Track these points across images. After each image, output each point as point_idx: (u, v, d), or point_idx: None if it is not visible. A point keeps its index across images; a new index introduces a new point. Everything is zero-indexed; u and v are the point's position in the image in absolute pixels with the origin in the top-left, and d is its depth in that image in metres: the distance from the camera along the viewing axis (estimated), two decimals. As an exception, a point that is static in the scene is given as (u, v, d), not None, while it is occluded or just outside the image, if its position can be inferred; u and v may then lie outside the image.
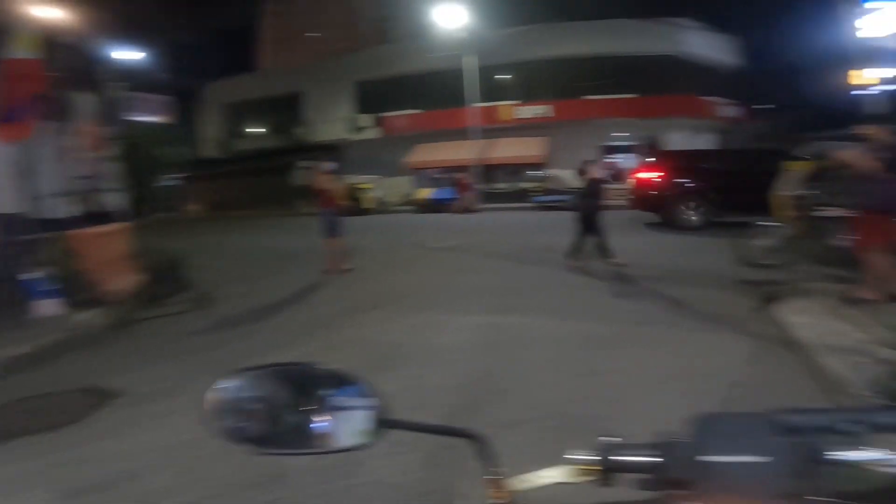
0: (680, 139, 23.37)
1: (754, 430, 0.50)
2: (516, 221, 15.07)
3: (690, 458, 0.49)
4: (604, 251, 6.80)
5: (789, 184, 6.42)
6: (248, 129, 31.26)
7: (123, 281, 5.80)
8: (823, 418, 0.52)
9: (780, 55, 28.68)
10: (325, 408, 0.61)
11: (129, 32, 11.51)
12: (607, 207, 7.05)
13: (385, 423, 0.61)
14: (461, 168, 22.30)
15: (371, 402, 0.62)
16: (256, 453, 0.63)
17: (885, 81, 14.88)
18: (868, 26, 13.22)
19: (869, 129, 4.45)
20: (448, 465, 2.34)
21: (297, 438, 0.61)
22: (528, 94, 24.34)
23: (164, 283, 6.38)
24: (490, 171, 23.66)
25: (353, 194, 20.49)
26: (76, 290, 5.25)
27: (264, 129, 30.66)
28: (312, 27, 30.96)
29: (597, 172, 7.15)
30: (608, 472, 0.54)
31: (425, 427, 0.64)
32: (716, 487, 0.47)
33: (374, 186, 22.30)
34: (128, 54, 12.26)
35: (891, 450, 0.50)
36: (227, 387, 0.62)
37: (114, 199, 7.52)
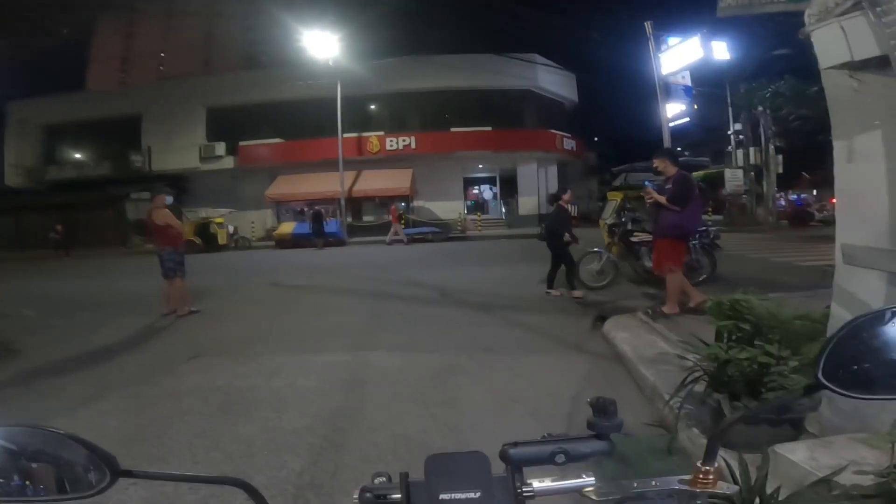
0: (531, 171, 25.88)
1: (473, 468, 0.57)
2: (382, 255, 15.15)
3: (427, 496, 0.55)
4: (570, 280, 6.77)
5: (607, 212, 7.46)
6: (67, 155, 26.90)
7: None
8: (539, 451, 0.61)
9: (609, 91, 33.56)
10: (53, 460, 0.59)
11: None
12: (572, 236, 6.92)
13: (121, 473, 0.59)
14: (325, 200, 21.84)
15: (97, 454, 0.60)
16: None
17: (682, 115, 17.87)
18: (667, 63, 15.56)
19: (658, 162, 5.32)
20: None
21: (25, 486, 0.58)
22: (394, 125, 24.92)
23: None
24: (357, 203, 23.58)
25: (203, 229, 18.78)
26: None
27: (88, 156, 26.60)
28: (157, 47, 28.18)
29: (566, 200, 7.09)
30: None
31: (178, 476, 0.61)
32: None
33: (227, 221, 20.64)
34: None
35: (594, 475, 0.60)
36: None
37: None
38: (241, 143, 24.49)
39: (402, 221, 20.22)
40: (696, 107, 19.45)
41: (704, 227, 6.46)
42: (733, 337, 2.59)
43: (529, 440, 0.62)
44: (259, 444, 2.94)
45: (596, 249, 7.26)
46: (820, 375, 0.54)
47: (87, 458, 0.59)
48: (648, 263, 6.08)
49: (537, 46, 25.70)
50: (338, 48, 21.26)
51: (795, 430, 2.38)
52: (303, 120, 23.83)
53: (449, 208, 23.74)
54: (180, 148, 24.54)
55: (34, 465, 0.59)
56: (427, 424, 3.18)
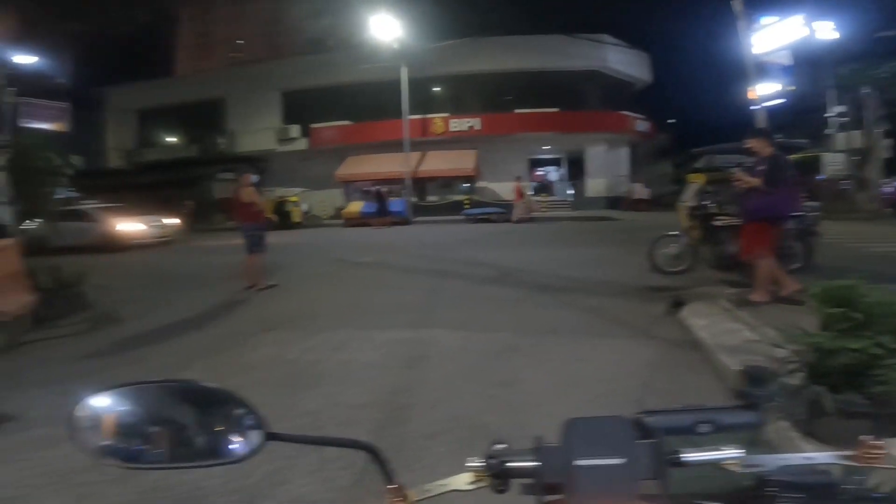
0: (599, 153, 24.95)
1: (616, 433, 0.52)
2: (445, 234, 15.25)
3: (561, 462, 0.51)
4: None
5: (688, 195, 7.01)
6: (159, 138, 29.15)
7: (11, 301, 5.19)
8: (680, 419, 0.56)
9: (687, 71, 31.38)
10: (203, 422, 0.61)
11: (25, 35, 10.47)
12: None
13: (270, 436, 0.61)
14: (391, 180, 22.26)
15: (249, 415, 0.62)
16: (126, 468, 0.61)
17: (776, 95, 16.69)
18: (761, 42, 14.64)
19: (751, 143, 4.94)
20: (378, 481, 2.30)
21: (173, 452, 0.60)
22: (458, 107, 24.84)
23: (57, 302, 5.81)
24: (421, 183, 23.84)
25: (280, 207, 19.77)
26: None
27: (179, 138, 28.73)
28: (234, 33, 29.73)
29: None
30: (498, 477, 0.55)
31: (314, 439, 0.63)
32: (584, 489, 0.49)
33: (300, 199, 21.62)
34: (21, 58, 11.12)
35: (739, 448, 0.55)
36: (100, 402, 0.60)
37: (2, 213, 6.78)
38: (313, 126, 25.34)
39: (528, 198, 19.88)
40: (793, 88, 17.98)
41: (801, 212, 5.88)
42: (841, 326, 2.38)
43: (665, 408, 0.57)
44: (325, 417, 3.03)
45: (673, 233, 6.86)
46: None
47: (239, 418, 0.60)
48: (732, 249, 5.64)
49: (608, 26, 24.61)
50: (402, 31, 21.36)
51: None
52: (369, 102, 24.23)
53: (513, 189, 23.40)
54: (259, 130, 25.83)
55: (181, 424, 0.60)
56: (486, 404, 3.16)
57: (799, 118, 23.00)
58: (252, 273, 7.21)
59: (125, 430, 0.59)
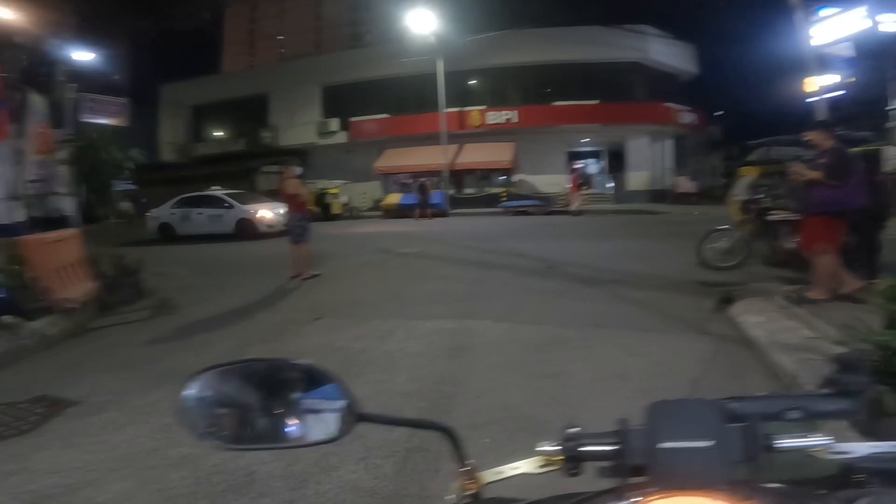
0: (641, 145, 24.23)
1: (705, 417, 0.51)
2: (484, 226, 15.21)
3: (645, 444, 0.50)
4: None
5: (740, 188, 6.72)
6: (210, 133, 30.34)
7: (77, 288, 5.55)
8: (768, 405, 0.55)
9: (735, 62, 29.99)
10: (297, 402, 0.62)
11: (83, 33, 11.06)
12: None
13: (358, 417, 0.62)
14: (429, 173, 22.35)
15: (343, 395, 0.63)
16: (228, 449, 0.64)
17: (836, 87, 15.78)
18: (821, 33, 13.92)
19: (812, 135, 4.70)
20: (421, 469, 2.36)
21: (269, 433, 0.62)
22: (495, 99, 24.65)
23: (120, 290, 6.13)
24: (459, 176, 23.84)
25: (321, 199, 20.19)
26: (28, 298, 4.99)
27: (227, 133, 29.81)
28: (277, 29, 30.48)
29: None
30: (572, 461, 0.55)
31: (397, 420, 0.66)
32: (669, 473, 0.48)
33: (341, 192, 22.04)
34: (81, 55, 11.74)
35: (831, 435, 0.53)
36: (199, 384, 0.62)
37: (66, 204, 7.21)
38: (352, 119, 25.70)
39: (584, 189, 19.79)
40: (853, 79, 16.97)
41: (865, 207, 5.53)
42: None
43: (750, 395, 0.56)
44: (372, 405, 3.04)
45: (724, 227, 6.60)
46: None
47: (332, 397, 0.62)
48: (789, 244, 5.38)
49: (652, 17, 23.71)
50: (440, 24, 21.32)
51: None
52: (407, 95, 24.36)
53: (551, 182, 23.03)
54: (301, 124, 26.43)
55: (282, 403, 0.62)
56: (532, 396, 3.16)
57: (860, 110, 21.67)
58: (298, 263, 7.42)
59: (226, 411, 0.61)
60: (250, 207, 14.17)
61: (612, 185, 24.79)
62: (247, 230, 13.68)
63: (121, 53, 18.15)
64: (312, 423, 0.62)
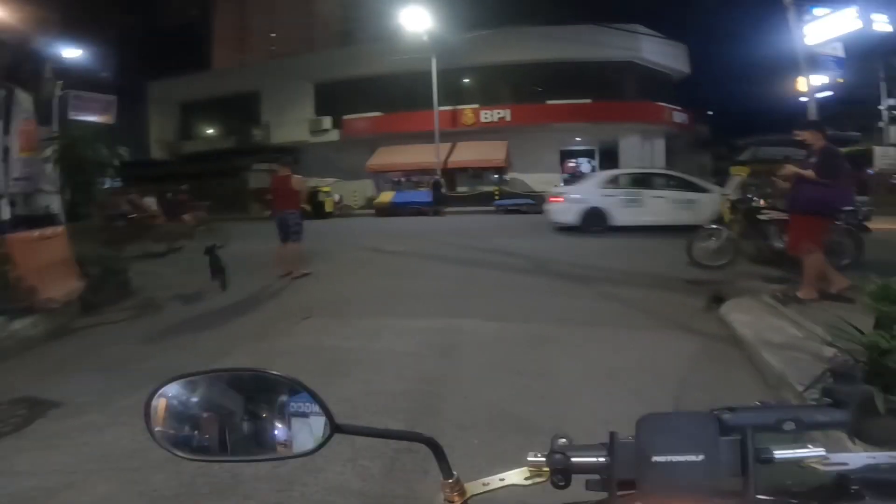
0: (633, 144, 24.36)
1: (697, 429, 0.50)
2: (476, 225, 15.20)
3: (636, 458, 0.50)
4: None
5: (730, 187, 6.77)
6: (199, 130, 30.07)
7: (61, 287, 5.46)
8: (762, 416, 0.54)
9: (725, 62, 30.20)
10: (274, 414, 0.60)
11: (71, 29, 10.88)
12: None
13: (336, 429, 0.60)
14: (422, 171, 22.36)
15: (317, 407, 0.61)
16: (201, 460, 0.61)
17: (824, 87, 15.95)
18: (813, 33, 14.01)
19: (804, 135, 4.73)
20: (409, 471, 2.33)
21: (245, 445, 0.60)
22: (488, 98, 24.66)
23: (105, 289, 6.05)
24: (451, 174, 23.83)
25: (313, 197, 20.09)
26: (11, 297, 4.90)
27: (217, 130, 29.57)
28: (268, 26, 30.22)
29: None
30: (560, 473, 0.54)
31: (377, 432, 0.63)
32: (660, 486, 0.48)
33: (333, 189, 21.95)
34: (67, 51, 11.56)
35: (825, 447, 0.53)
36: (169, 392, 0.60)
37: (51, 202, 7.09)
38: (345, 117, 25.61)
39: None
40: (841, 80, 17.17)
41: (853, 207, 5.60)
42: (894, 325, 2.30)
43: (744, 405, 0.55)
44: (361, 405, 3.05)
45: (714, 226, 6.64)
46: None
47: (307, 410, 0.60)
48: (778, 244, 5.42)
49: (644, 17, 23.84)
50: (432, 22, 21.29)
51: None
52: (400, 93, 24.30)
53: (544, 180, 23.08)
54: (292, 122, 26.26)
55: (254, 415, 0.60)
56: (521, 395, 3.15)
57: (848, 110, 21.97)
58: (288, 261, 7.35)
59: (194, 420, 0.59)
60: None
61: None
62: None
63: (108, 50, 17.94)
64: (285, 436, 0.60)
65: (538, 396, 3.13)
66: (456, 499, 0.58)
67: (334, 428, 0.60)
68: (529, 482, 0.56)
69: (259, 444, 0.60)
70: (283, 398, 0.60)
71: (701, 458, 0.48)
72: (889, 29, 17.02)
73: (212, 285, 6.52)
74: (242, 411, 0.60)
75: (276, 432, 0.60)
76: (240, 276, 7.79)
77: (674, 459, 0.48)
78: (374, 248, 10.37)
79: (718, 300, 4.91)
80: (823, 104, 17.98)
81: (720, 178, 10.54)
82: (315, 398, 0.60)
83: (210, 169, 24.36)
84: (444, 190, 21.24)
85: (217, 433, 0.59)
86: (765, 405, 0.57)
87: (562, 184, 24.02)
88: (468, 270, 7.49)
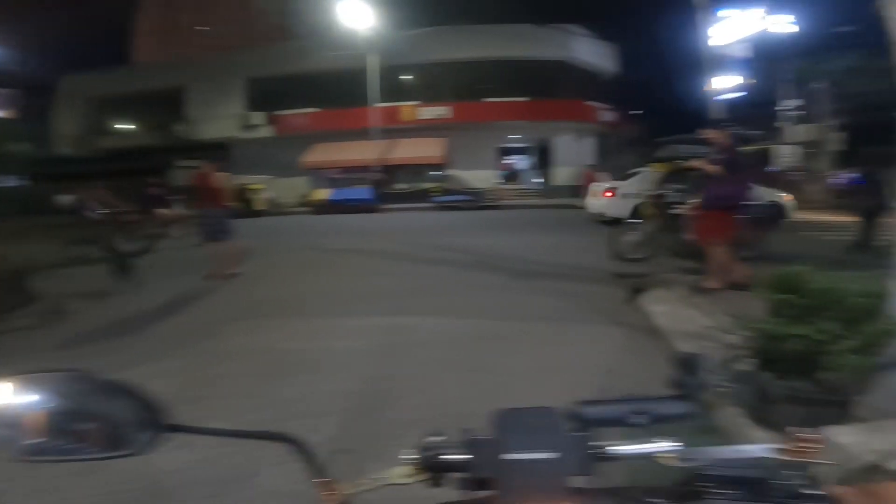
0: (566, 142, 25.30)
1: (547, 426, 0.51)
2: (416, 221, 15.22)
3: (492, 455, 0.49)
4: None
5: (644, 183, 7.21)
6: (117, 126, 27.92)
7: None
8: (614, 410, 0.55)
9: (649, 63, 32.00)
10: (103, 414, 0.58)
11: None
12: None
13: (167, 429, 0.58)
14: (360, 168, 22.04)
15: (146, 406, 0.59)
16: (20, 460, 0.59)
17: (737, 88, 17.17)
18: (718, 34, 14.83)
19: (709, 134, 5.12)
20: (345, 471, 2.32)
21: (74, 445, 0.58)
22: (427, 95, 24.69)
23: (7, 294, 5.53)
24: (390, 171, 23.67)
25: (243, 195, 19.26)
26: None
27: (137, 126, 27.63)
28: (199, 20, 28.48)
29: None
30: (431, 471, 0.54)
31: (222, 432, 0.60)
32: (515, 485, 0.47)
33: (265, 187, 21.15)
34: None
35: (673, 440, 0.54)
36: None
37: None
38: (279, 113, 24.80)
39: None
40: (749, 80, 18.57)
41: (755, 202, 6.15)
42: (787, 313, 2.41)
43: (602, 398, 0.56)
44: (301, 407, 3.00)
45: (633, 220, 7.06)
46: None
47: (134, 410, 0.57)
48: (691, 236, 5.86)
49: (577, 17, 24.84)
50: (372, 18, 21.03)
51: (841, 413, 2.28)
52: (338, 90, 23.88)
53: (482, 177, 23.51)
54: (221, 118, 25.08)
55: (80, 417, 0.57)
56: (466, 391, 3.19)
57: (755, 110, 23.90)
58: (217, 261, 7.03)
59: (20, 421, 0.57)
60: None
61: (541, 180, 25.71)
62: None
63: (15, 43, 16.25)
64: (114, 436, 0.58)
65: (480, 393, 3.20)
66: (332, 499, 0.57)
67: (163, 427, 0.57)
68: (406, 481, 0.55)
69: (87, 444, 0.58)
70: (110, 398, 0.59)
71: (550, 455, 0.48)
72: (793, 30, 18.52)
73: (136, 289, 6.09)
74: (66, 412, 0.58)
75: (104, 432, 0.58)
76: (164, 278, 7.36)
77: (525, 457, 0.48)
78: (311, 246, 10.13)
79: (639, 292, 5.21)
80: (735, 104, 19.44)
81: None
82: (142, 398, 0.58)
83: (130, 166, 22.69)
84: (381, 187, 21.08)
85: (44, 433, 0.57)
86: (619, 398, 0.57)
87: (498, 181, 24.67)
88: (411, 267, 7.50)
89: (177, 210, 12.46)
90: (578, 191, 24.27)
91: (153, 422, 0.57)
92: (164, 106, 26.10)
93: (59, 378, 0.60)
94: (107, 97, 26.86)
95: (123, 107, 27.26)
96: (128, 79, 26.59)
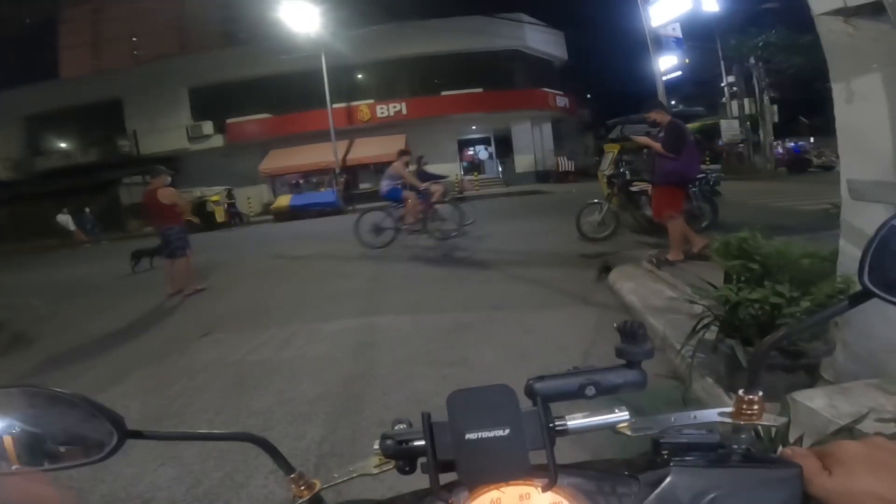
0: (525, 130, 25.63)
1: (503, 403, 0.50)
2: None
3: (450, 437, 0.49)
4: None
5: (605, 164, 7.41)
6: (52, 144, 26.34)
7: None
8: (566, 384, 0.55)
9: (598, 47, 32.78)
10: (58, 427, 0.56)
11: None
12: None
13: (125, 435, 0.56)
14: (319, 171, 21.67)
15: (99, 413, 0.57)
16: None
17: (675, 68, 17.65)
18: (656, 16, 15.21)
19: (651, 114, 5.30)
20: (336, 475, 2.31)
21: (30, 458, 0.55)
22: (383, 93, 24.48)
23: None
24: (352, 171, 23.37)
25: (200, 208, 18.64)
26: None
27: (74, 144, 26.06)
28: (129, 29, 27.05)
29: None
30: (397, 459, 0.53)
31: (184, 435, 0.58)
32: (475, 464, 0.47)
33: (222, 198, 20.49)
34: None
35: (620, 410, 0.54)
36: None
37: None
38: (229, 121, 24.04)
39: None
40: (687, 60, 19.21)
41: (703, 175, 6.42)
42: (742, 278, 2.45)
43: (555, 373, 0.56)
44: (277, 415, 2.97)
45: (596, 201, 7.23)
46: (866, 280, 0.47)
47: (93, 420, 0.55)
48: (649, 212, 6.06)
49: (523, 5, 25.06)
50: (319, 19, 20.63)
51: (810, 377, 2.33)
52: (290, 93, 23.38)
53: (445, 170, 23.46)
54: (166, 129, 24.09)
55: (36, 430, 0.55)
56: (439, 385, 3.21)
57: (697, 89, 24.79)
58: (177, 278, 6.81)
59: None
60: None
61: (501, 168, 25.98)
62: None
63: None
64: (71, 447, 0.56)
65: (458, 384, 3.22)
66: (304, 493, 0.56)
67: (125, 434, 0.56)
68: (378, 470, 0.55)
69: (44, 458, 0.55)
70: (67, 410, 0.57)
71: (507, 432, 0.48)
72: (717, 8, 19.19)
73: (95, 312, 5.84)
74: (23, 426, 0.56)
75: (60, 445, 0.56)
76: (126, 298, 7.09)
77: (483, 436, 0.48)
78: (275, 254, 9.92)
79: (606, 270, 5.36)
80: (676, 84, 20.08)
81: (600, 156, 11.53)
82: (94, 406, 0.56)
83: (72, 186, 21.58)
84: (340, 188, 20.75)
85: (11, 457, 0.54)
86: (570, 372, 0.57)
87: (461, 173, 24.71)
88: (379, 266, 7.45)
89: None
90: (545, 176, 24.74)
91: (115, 428, 0.55)
92: (102, 121, 24.71)
93: (12, 394, 0.57)
94: (40, 115, 25.27)
95: (60, 124, 25.71)
96: (57, 94, 24.87)
